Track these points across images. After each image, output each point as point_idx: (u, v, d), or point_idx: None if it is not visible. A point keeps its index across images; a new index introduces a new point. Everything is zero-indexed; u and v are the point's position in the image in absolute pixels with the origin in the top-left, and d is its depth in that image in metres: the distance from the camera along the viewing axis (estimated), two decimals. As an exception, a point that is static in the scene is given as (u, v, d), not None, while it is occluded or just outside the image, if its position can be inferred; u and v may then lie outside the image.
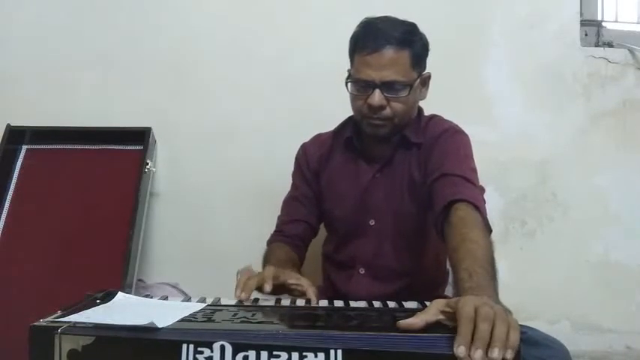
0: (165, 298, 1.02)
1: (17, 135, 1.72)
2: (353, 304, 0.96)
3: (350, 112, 1.26)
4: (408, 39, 1.15)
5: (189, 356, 0.68)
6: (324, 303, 0.98)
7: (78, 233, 1.61)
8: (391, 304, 0.94)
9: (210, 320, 0.78)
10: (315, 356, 0.66)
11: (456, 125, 1.25)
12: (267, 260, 1.24)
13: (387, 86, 1.14)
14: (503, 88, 1.84)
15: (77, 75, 1.80)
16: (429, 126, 1.25)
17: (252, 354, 0.67)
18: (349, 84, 1.20)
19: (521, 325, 0.69)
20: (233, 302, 0.95)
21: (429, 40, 1.21)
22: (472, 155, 1.20)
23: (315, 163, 1.34)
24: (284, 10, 1.82)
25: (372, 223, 1.25)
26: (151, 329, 0.71)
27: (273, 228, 1.36)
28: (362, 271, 1.26)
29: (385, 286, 1.23)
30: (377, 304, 0.95)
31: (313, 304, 0.97)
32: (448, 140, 1.20)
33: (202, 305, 0.89)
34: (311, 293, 1.01)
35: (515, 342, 0.66)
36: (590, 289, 1.83)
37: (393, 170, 1.25)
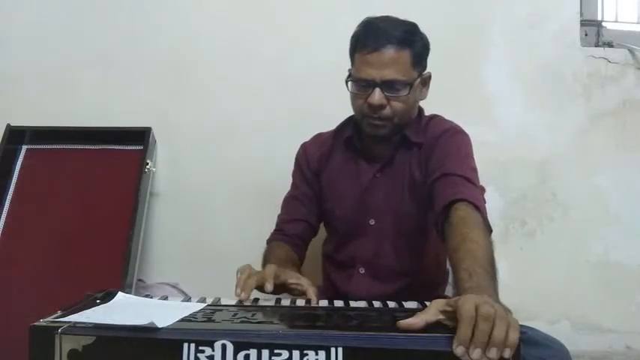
0: (166, 298, 1.02)
1: (17, 135, 1.72)
2: (353, 304, 0.96)
3: (350, 112, 1.26)
4: (409, 38, 1.15)
5: (191, 355, 0.68)
6: (324, 303, 0.98)
7: (78, 233, 1.61)
8: (391, 304, 0.94)
9: (210, 320, 0.78)
10: (316, 354, 0.67)
11: (457, 125, 1.25)
12: (267, 259, 1.24)
13: (387, 85, 1.14)
14: (503, 88, 1.84)
15: (77, 75, 1.80)
16: (429, 126, 1.25)
17: (253, 352, 0.67)
18: (350, 83, 1.20)
19: (521, 325, 0.69)
20: (233, 302, 0.95)
21: (429, 40, 1.21)
22: (473, 155, 1.20)
23: (315, 162, 1.34)
24: (284, 10, 1.82)
25: (372, 222, 1.26)
26: (151, 329, 0.71)
27: (273, 228, 1.36)
28: (362, 270, 1.26)
29: (385, 286, 1.23)
30: (377, 304, 0.95)
31: (313, 304, 0.97)
32: (449, 140, 1.20)
33: (202, 305, 0.89)
34: (311, 293, 1.02)
35: (514, 341, 0.66)
36: (590, 289, 1.83)
37: (394, 170, 1.25)
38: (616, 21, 1.95)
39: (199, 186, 1.80)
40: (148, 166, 1.66)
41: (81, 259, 1.56)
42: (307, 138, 1.41)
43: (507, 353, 0.65)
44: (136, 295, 1.01)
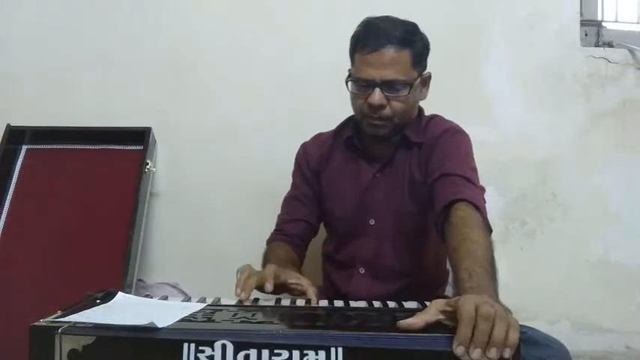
0: (166, 298, 1.02)
1: (17, 135, 1.72)
2: (353, 304, 0.96)
3: (350, 112, 1.26)
4: (409, 38, 1.15)
5: (191, 355, 0.68)
6: (324, 303, 0.98)
7: (78, 233, 1.61)
8: (391, 304, 0.94)
9: (210, 320, 0.78)
10: (316, 354, 0.67)
11: (457, 125, 1.25)
12: (267, 259, 1.24)
13: (387, 85, 1.14)
14: (503, 88, 1.84)
15: (77, 75, 1.80)
16: (429, 126, 1.25)
17: (253, 352, 0.67)
18: (350, 83, 1.20)
19: (521, 325, 0.69)
20: (233, 302, 0.95)
21: (429, 40, 1.21)
22: (472, 155, 1.20)
23: (315, 162, 1.34)
24: (284, 10, 1.82)
25: (372, 222, 1.25)
26: (151, 329, 0.71)
27: (273, 228, 1.36)
28: (362, 270, 1.26)
29: (385, 285, 1.23)
30: (377, 304, 0.95)
31: (313, 304, 0.97)
32: (449, 140, 1.20)
33: (202, 305, 0.89)
34: (311, 293, 1.02)
35: (514, 342, 0.66)
36: (590, 289, 1.83)
37: (394, 170, 1.25)
38: (616, 21, 1.95)
39: (199, 186, 1.80)
40: (148, 166, 1.66)
41: (81, 259, 1.56)
42: (307, 138, 1.40)
43: (507, 353, 0.66)
44: (136, 295, 1.01)
